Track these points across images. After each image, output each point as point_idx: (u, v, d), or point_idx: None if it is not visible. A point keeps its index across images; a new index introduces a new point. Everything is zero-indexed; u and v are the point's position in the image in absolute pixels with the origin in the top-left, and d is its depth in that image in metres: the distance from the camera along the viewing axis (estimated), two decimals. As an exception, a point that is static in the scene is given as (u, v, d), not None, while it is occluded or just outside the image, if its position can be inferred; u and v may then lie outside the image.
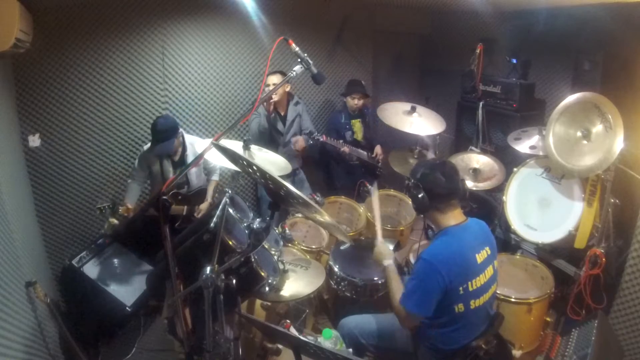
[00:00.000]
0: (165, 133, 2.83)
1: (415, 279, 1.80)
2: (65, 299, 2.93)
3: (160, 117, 3.00)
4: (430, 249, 1.83)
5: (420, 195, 1.83)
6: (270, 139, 3.40)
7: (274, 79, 3.27)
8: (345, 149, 3.60)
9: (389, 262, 2.01)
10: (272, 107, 3.31)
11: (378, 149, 3.84)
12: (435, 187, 1.82)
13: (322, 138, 3.51)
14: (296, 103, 3.57)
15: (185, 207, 3.04)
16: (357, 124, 3.85)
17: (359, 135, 3.85)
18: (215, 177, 3.27)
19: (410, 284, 1.81)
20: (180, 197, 3.03)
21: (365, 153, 3.76)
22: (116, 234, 3.06)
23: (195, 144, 3.09)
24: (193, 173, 3.13)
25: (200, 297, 1.45)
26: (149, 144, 3.00)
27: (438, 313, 1.78)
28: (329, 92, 4.32)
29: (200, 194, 3.16)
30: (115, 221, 2.74)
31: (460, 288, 1.74)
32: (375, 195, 2.50)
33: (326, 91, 4.29)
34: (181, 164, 3.02)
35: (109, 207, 2.72)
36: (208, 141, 2.43)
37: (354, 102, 3.75)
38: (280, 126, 3.43)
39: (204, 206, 3.10)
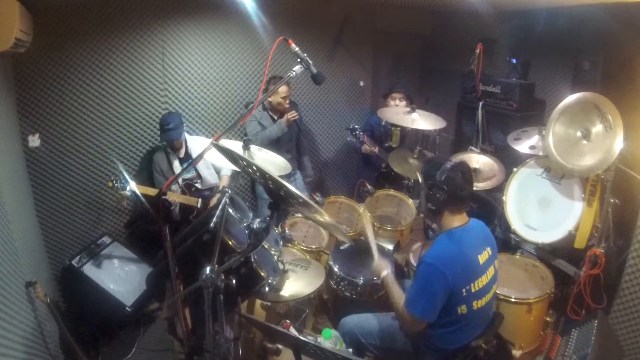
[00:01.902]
0: (173, 123, 3.06)
1: (419, 283, 1.79)
2: (65, 299, 2.93)
3: (165, 113, 3.26)
4: (432, 251, 1.81)
5: (438, 195, 1.79)
6: (270, 142, 3.39)
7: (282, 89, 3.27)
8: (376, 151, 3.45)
9: (386, 272, 2.02)
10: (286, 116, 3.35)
11: None
12: (457, 190, 1.79)
13: (363, 137, 3.41)
14: (292, 106, 3.55)
15: (200, 199, 3.13)
16: (396, 132, 3.61)
17: (395, 142, 3.66)
18: (225, 172, 3.33)
19: (414, 289, 1.80)
20: (194, 188, 3.18)
21: None
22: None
23: (196, 143, 3.19)
24: (204, 168, 3.24)
25: (200, 297, 1.45)
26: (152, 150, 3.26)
27: (440, 314, 1.78)
28: (329, 92, 4.31)
29: (213, 191, 3.23)
30: (127, 193, 2.90)
31: (464, 290, 1.74)
32: (366, 216, 2.50)
33: (325, 92, 4.29)
34: (186, 159, 3.17)
35: (121, 180, 2.88)
36: (207, 141, 2.46)
37: (394, 102, 3.48)
38: None
39: (213, 201, 3.17)
